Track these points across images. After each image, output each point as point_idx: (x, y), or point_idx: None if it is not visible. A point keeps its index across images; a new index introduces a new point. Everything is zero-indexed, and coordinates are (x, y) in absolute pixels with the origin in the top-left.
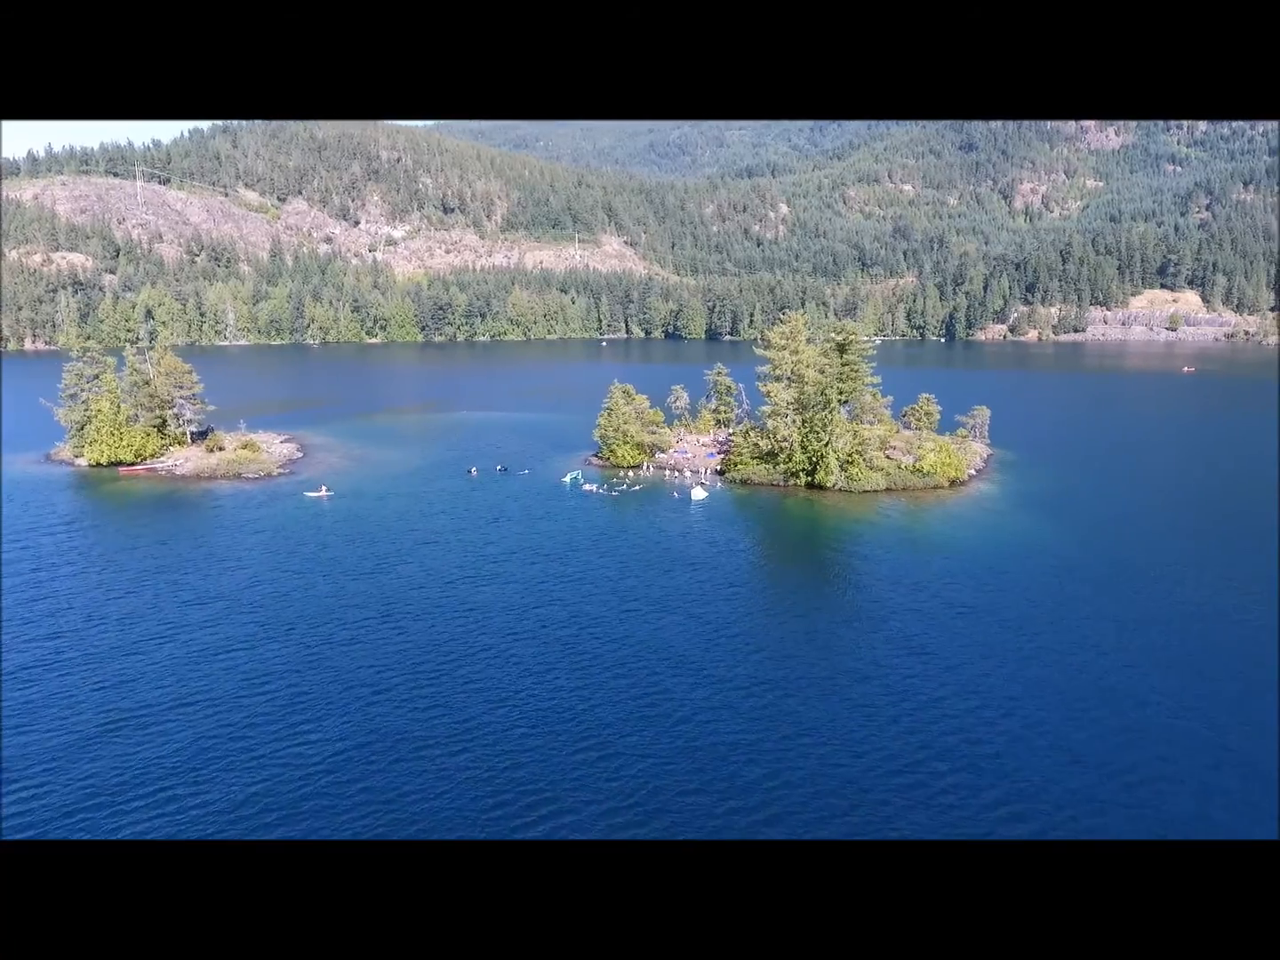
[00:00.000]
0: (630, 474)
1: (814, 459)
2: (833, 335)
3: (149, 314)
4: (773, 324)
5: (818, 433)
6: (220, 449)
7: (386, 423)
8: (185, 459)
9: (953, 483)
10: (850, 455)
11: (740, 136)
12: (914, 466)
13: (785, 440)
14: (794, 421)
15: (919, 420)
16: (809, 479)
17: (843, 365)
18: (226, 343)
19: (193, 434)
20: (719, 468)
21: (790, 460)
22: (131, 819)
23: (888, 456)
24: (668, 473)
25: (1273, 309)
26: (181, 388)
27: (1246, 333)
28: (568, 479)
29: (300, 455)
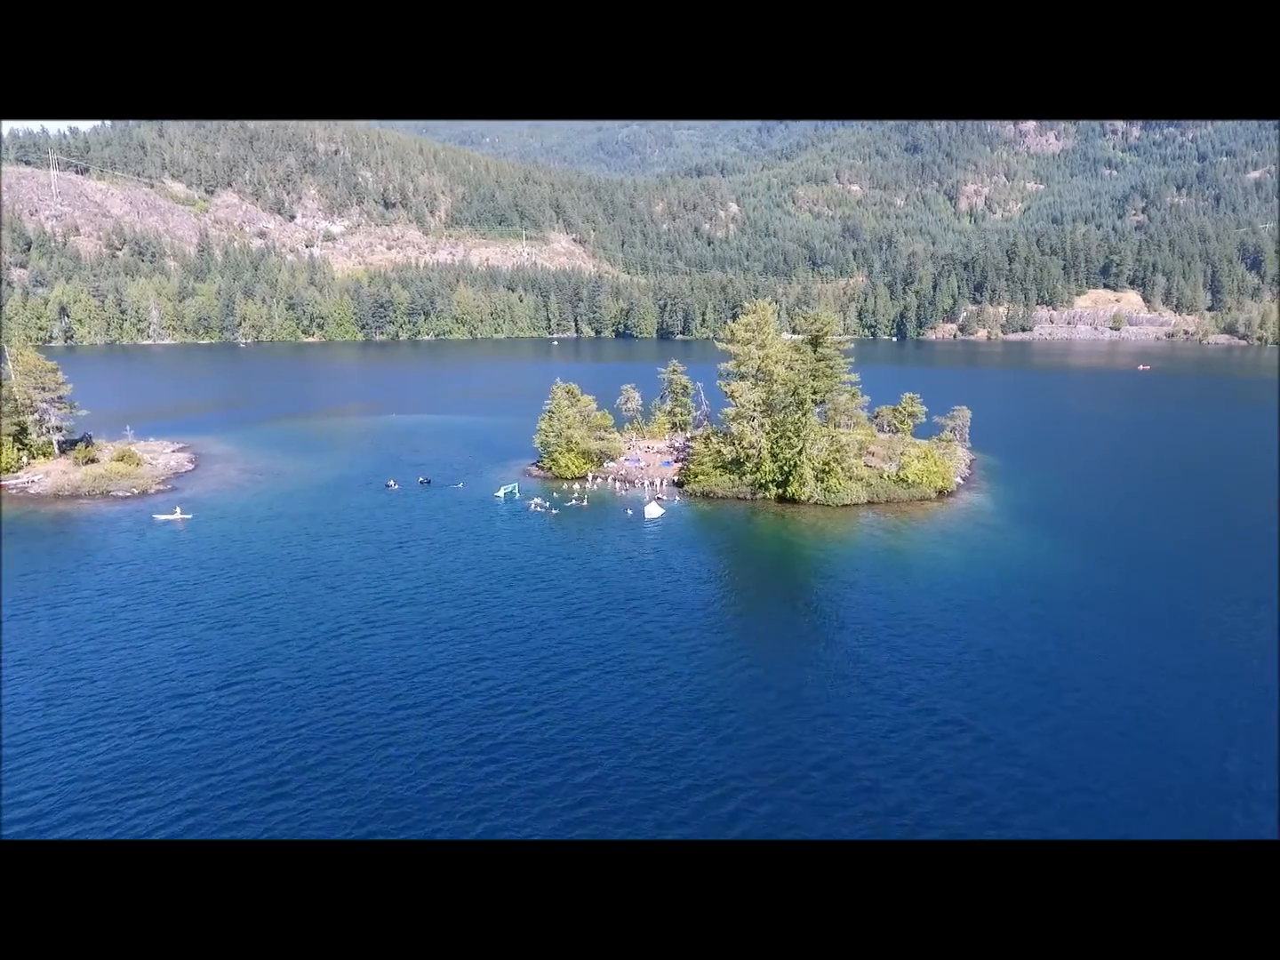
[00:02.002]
0: (575, 487)
1: (786, 468)
2: (805, 326)
3: (63, 311)
4: (727, 322)
5: (789, 438)
6: (92, 461)
7: (305, 428)
8: (45, 474)
9: (940, 493)
10: (826, 464)
11: (689, 136)
12: (897, 475)
13: (752, 447)
14: (762, 425)
15: (902, 422)
16: (780, 491)
17: (816, 360)
18: (150, 341)
19: (64, 443)
20: (676, 478)
21: (759, 470)
22: None
23: (867, 465)
24: (618, 484)
25: (1210, 309)
26: (44, 389)
27: (1186, 332)
28: (502, 493)
29: (191, 467)
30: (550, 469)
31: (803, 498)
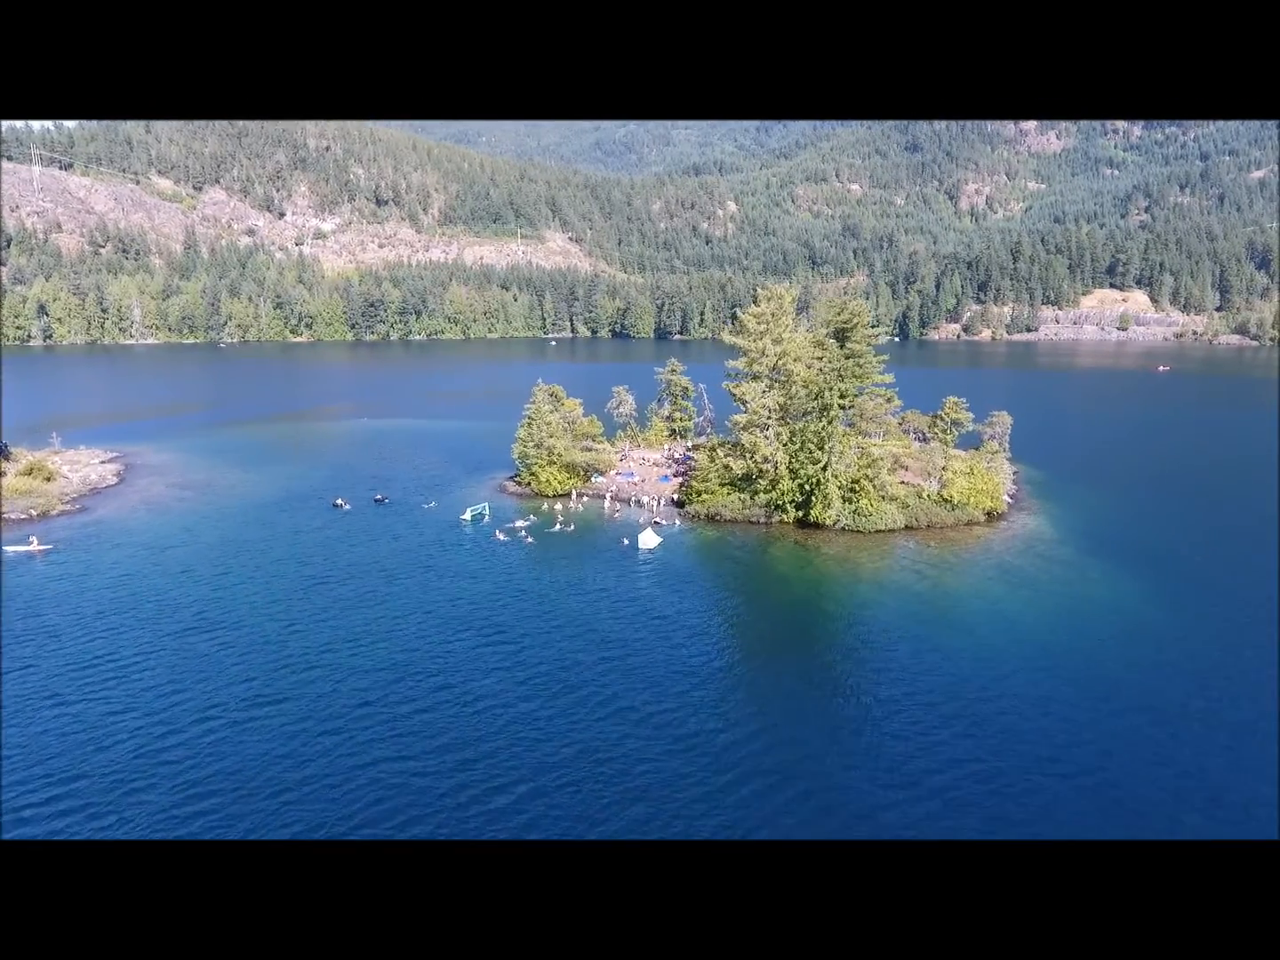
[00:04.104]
0: (558, 507)
1: (807, 486)
2: (831, 317)
3: (42, 309)
4: (731, 318)
5: (811, 451)
6: None
7: (263, 433)
8: None
9: (989, 515)
10: (856, 481)
11: (686, 135)
12: (939, 494)
13: (767, 461)
14: (778, 435)
15: (944, 431)
16: (800, 513)
17: (844, 358)
18: (132, 341)
19: None
20: (676, 496)
21: (774, 488)
22: None
23: (901, 482)
24: (608, 503)
25: (1218, 309)
26: None
27: (1194, 332)
28: (469, 515)
29: (114, 481)
30: (530, 485)
31: (827, 522)
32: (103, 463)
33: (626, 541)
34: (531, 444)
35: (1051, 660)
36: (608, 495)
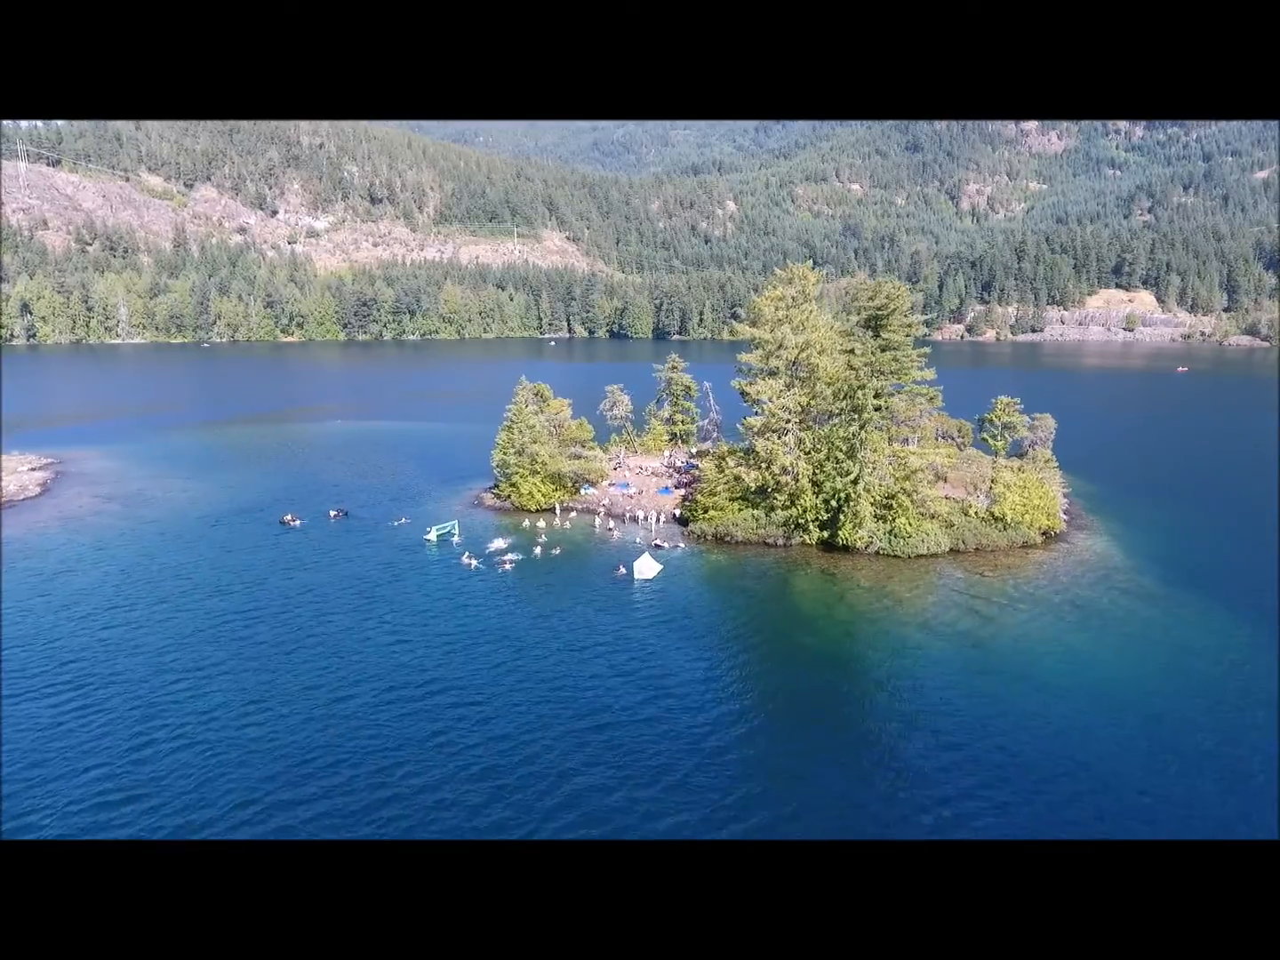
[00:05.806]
0: (540, 524)
1: (834, 502)
2: (864, 302)
3: (25, 308)
4: (725, 323)
5: (840, 460)
6: None
7: (226, 436)
8: None
9: (1046, 535)
10: (892, 496)
11: (685, 136)
12: (988, 511)
13: (785, 472)
14: (800, 442)
15: (992, 437)
16: (826, 534)
17: (878, 350)
18: (119, 340)
19: None
20: (678, 511)
21: (795, 504)
22: None
23: (945, 496)
24: (599, 520)
25: (1226, 309)
26: None
27: (1202, 333)
28: (434, 535)
29: (38, 492)
30: (510, 498)
31: (858, 544)
32: (31, 470)
33: (622, 570)
34: (512, 451)
35: (1164, 733)
36: (599, 510)
